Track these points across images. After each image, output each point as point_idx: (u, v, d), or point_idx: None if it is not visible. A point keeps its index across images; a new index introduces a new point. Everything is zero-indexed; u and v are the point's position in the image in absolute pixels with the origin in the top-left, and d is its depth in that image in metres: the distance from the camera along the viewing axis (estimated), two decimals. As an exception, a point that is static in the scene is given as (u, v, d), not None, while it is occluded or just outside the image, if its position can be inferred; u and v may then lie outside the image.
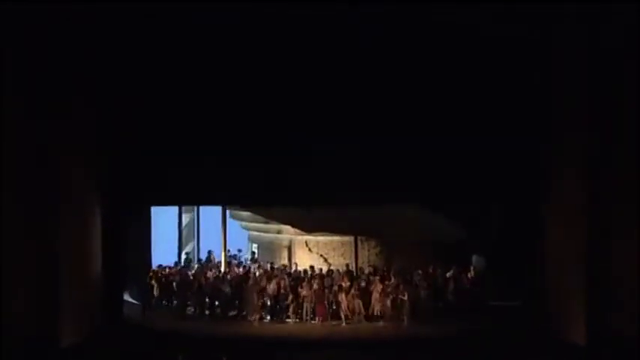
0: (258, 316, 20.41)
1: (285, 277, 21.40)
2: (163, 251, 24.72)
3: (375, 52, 18.13)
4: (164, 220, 25.65)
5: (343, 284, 20.69)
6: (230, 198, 21.66)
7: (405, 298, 19.96)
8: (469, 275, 21.22)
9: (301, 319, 20.43)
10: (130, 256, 20.83)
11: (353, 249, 23.12)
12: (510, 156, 18.76)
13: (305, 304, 20.42)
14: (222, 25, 17.77)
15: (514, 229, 20.44)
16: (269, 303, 20.81)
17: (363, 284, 20.88)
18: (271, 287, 20.84)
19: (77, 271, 17.65)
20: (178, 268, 22.99)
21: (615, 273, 16.37)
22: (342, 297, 20.31)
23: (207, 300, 21.27)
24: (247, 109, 18.84)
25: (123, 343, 17.95)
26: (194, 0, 17.09)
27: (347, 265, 22.29)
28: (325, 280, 21.14)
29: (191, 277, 21.82)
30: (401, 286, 20.17)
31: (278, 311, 20.67)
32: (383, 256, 23.13)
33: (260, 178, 19.27)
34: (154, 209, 24.35)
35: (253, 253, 25.38)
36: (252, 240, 25.97)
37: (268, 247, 24.86)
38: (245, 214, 24.73)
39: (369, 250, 23.24)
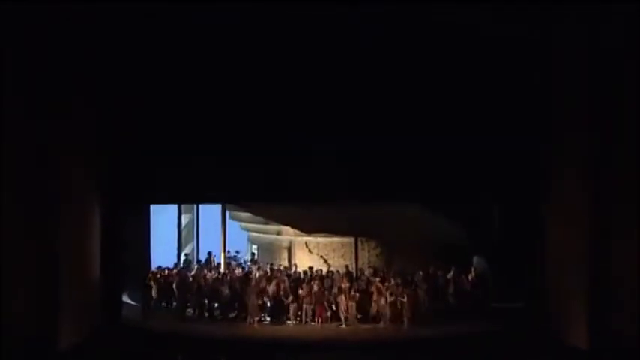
0: (257, 318, 20.35)
1: (285, 278, 21.37)
2: (163, 252, 24.70)
3: (375, 52, 18.14)
4: (163, 221, 25.66)
5: (343, 285, 20.67)
6: (230, 197, 21.72)
7: (405, 299, 19.92)
8: (470, 276, 21.21)
9: (301, 320, 20.39)
10: (129, 258, 20.78)
11: (353, 250, 23.10)
12: (510, 156, 18.81)
13: (304, 306, 20.39)
14: (222, 25, 17.76)
15: (514, 230, 20.46)
16: (268, 304, 20.78)
17: (363, 285, 20.87)
18: (271, 288, 20.81)
19: (77, 272, 17.63)
20: (177, 269, 22.94)
21: (615, 273, 16.35)
22: (341, 298, 20.29)
23: (206, 301, 21.22)
24: (247, 108, 18.85)
25: (122, 344, 17.91)
26: (194, 0, 17.08)
27: (346, 267, 22.25)
28: (325, 281, 21.13)
29: (190, 279, 21.78)
30: (400, 288, 20.14)
31: (278, 313, 20.63)
32: (383, 257, 23.12)
33: (260, 178, 19.30)
34: (153, 210, 24.38)
35: (253, 254, 25.33)
36: (251, 241, 25.94)
37: (268, 248, 24.83)
38: (245, 214, 24.71)
39: (369, 251, 23.23)
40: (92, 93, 18.26)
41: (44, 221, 16.12)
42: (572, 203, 17.43)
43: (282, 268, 22.68)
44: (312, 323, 20.26)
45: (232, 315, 20.95)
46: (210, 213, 25.79)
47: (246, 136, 19.01)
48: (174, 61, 18.37)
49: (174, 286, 21.67)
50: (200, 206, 26.26)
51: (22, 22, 15.52)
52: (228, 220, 24.80)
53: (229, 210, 24.76)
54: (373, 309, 20.27)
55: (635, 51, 15.79)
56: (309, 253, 23.57)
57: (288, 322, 20.47)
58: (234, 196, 21.44)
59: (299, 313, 20.45)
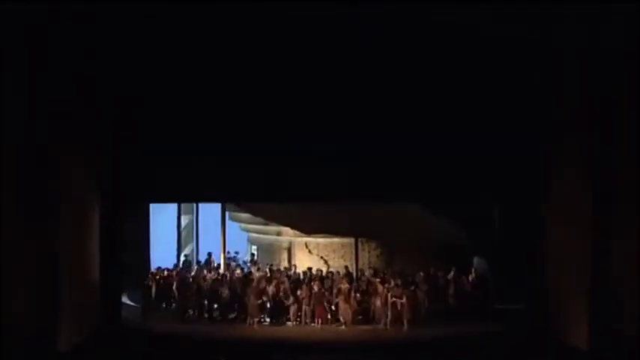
0: (257, 319, 20.34)
1: (285, 279, 21.36)
2: (162, 253, 24.70)
3: (375, 52, 18.14)
4: (163, 222, 25.65)
5: (342, 287, 20.65)
6: (230, 196, 21.74)
7: (404, 301, 19.88)
8: (470, 277, 21.20)
9: (301, 321, 20.37)
10: (128, 259, 20.77)
11: (353, 251, 23.13)
12: (510, 156, 18.81)
13: (304, 307, 20.37)
14: (222, 25, 17.75)
15: (514, 230, 20.44)
16: (268, 305, 20.75)
17: (363, 286, 20.85)
18: (270, 289, 20.79)
19: (77, 272, 17.61)
20: (177, 270, 22.91)
21: (616, 273, 16.32)
22: (341, 300, 20.26)
23: (206, 302, 21.19)
24: (247, 108, 18.82)
25: (122, 345, 17.88)
26: (194, 0, 17.09)
27: (346, 268, 22.25)
28: (325, 282, 21.11)
29: (190, 280, 21.76)
30: (400, 289, 20.10)
31: (277, 314, 20.59)
32: (383, 257, 23.13)
33: (260, 178, 19.30)
34: (152, 211, 24.38)
35: (253, 254, 25.32)
36: (251, 242, 25.93)
37: (268, 249, 24.83)
38: (244, 215, 24.71)
39: (369, 252, 23.24)
40: (92, 93, 18.23)
41: (44, 221, 16.06)
42: (572, 203, 17.42)
43: (282, 269, 22.67)
44: (312, 324, 20.26)
45: (232, 316, 20.96)
46: (209, 214, 25.79)
47: (246, 136, 18.99)
48: (174, 61, 18.32)
49: (173, 287, 21.67)
50: (200, 207, 26.27)
51: (22, 22, 15.48)
52: (227, 221, 24.81)
53: (229, 211, 24.76)
54: (373, 310, 20.24)
55: (635, 51, 15.75)
56: (309, 254, 23.59)
57: (288, 323, 20.44)
58: (235, 196, 21.46)
59: (299, 314, 20.43)
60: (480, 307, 20.76)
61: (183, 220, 26.61)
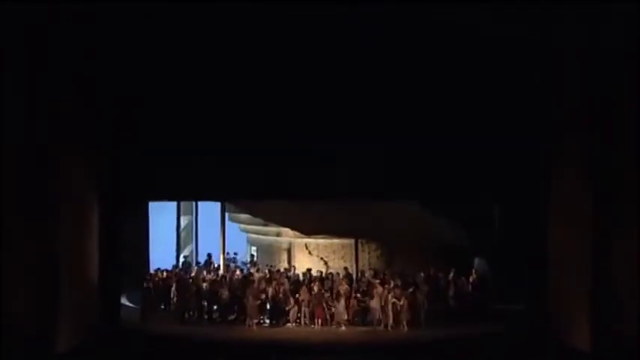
0: (256, 320, 20.31)
1: (285, 280, 21.32)
2: (161, 254, 24.68)
3: (375, 52, 18.15)
4: (162, 223, 25.65)
5: (342, 288, 20.62)
6: (230, 196, 21.73)
7: (402, 302, 19.85)
8: (471, 278, 21.18)
9: (300, 323, 20.35)
10: (127, 260, 20.77)
11: (353, 252, 23.12)
12: (510, 156, 18.82)
13: (304, 308, 20.34)
14: (222, 25, 17.77)
15: (515, 231, 20.44)
16: (268, 307, 20.73)
17: (363, 287, 20.82)
18: (270, 291, 20.76)
19: (76, 272, 17.60)
20: (176, 271, 22.88)
21: (616, 273, 16.30)
22: (340, 301, 20.24)
23: (205, 304, 21.15)
24: (247, 108, 18.85)
25: (121, 346, 17.84)
26: (194, 0, 17.09)
27: (345, 269, 22.24)
28: (325, 283, 21.09)
29: (190, 281, 21.72)
30: (399, 291, 20.08)
31: (277, 315, 20.56)
32: (383, 258, 23.14)
33: (260, 178, 19.29)
34: (152, 212, 24.37)
35: (252, 255, 25.30)
36: (251, 243, 25.93)
37: (267, 250, 24.83)
38: (244, 216, 24.70)
39: (369, 253, 23.25)
40: (92, 93, 18.24)
41: (44, 221, 16.05)
42: (572, 203, 17.42)
43: (281, 270, 22.64)
44: (312, 326, 20.25)
45: (231, 317, 20.92)
46: (209, 214, 25.79)
47: (246, 136, 19.01)
48: (174, 61, 18.35)
49: (173, 288, 21.62)
50: (199, 208, 26.27)
51: (22, 22, 15.48)
52: (227, 222, 24.78)
53: (228, 211, 24.74)
54: (373, 311, 20.22)
55: (635, 51, 15.77)
56: (309, 255, 23.59)
57: (288, 324, 20.41)
58: (235, 195, 21.47)
59: (298, 315, 20.40)
60: (480, 308, 20.75)
61: (183, 221, 26.62)
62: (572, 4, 16.75)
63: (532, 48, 17.96)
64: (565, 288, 17.79)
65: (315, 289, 20.44)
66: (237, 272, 22.56)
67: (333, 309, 20.30)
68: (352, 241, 23.19)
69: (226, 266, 23.69)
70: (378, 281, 20.93)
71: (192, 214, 26.71)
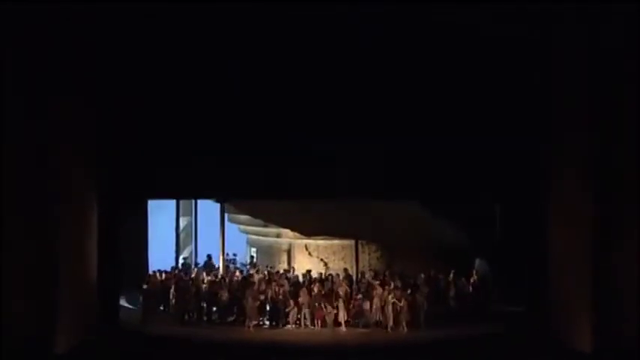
0: (256, 322, 20.28)
1: (285, 282, 21.29)
2: (161, 255, 24.65)
3: (375, 52, 18.16)
4: (161, 224, 25.62)
5: (341, 289, 20.60)
6: (230, 195, 21.73)
7: (402, 304, 19.83)
8: (472, 279, 21.16)
9: (300, 324, 20.31)
10: (127, 261, 20.74)
11: (353, 253, 23.08)
12: (510, 156, 18.82)
13: (303, 310, 20.31)
14: (222, 25, 17.79)
15: (515, 231, 20.44)
16: (267, 308, 20.69)
17: (363, 289, 20.80)
18: (270, 292, 20.73)
19: (75, 272, 17.58)
20: (175, 272, 22.84)
21: (616, 273, 16.30)
22: (340, 302, 20.21)
23: (204, 305, 21.12)
24: (247, 108, 18.86)
25: (120, 347, 17.81)
26: (194, 0, 17.10)
27: (345, 270, 22.20)
28: (325, 284, 21.06)
29: (189, 282, 21.68)
30: (399, 292, 20.07)
31: (277, 317, 20.54)
32: (384, 259, 23.11)
33: (260, 177, 19.29)
34: (151, 213, 24.35)
35: (252, 257, 25.26)
36: (250, 244, 25.89)
37: (267, 251, 24.79)
38: (243, 217, 24.66)
39: (369, 254, 23.22)
40: (92, 93, 18.26)
41: (44, 221, 16.04)
42: (572, 203, 17.41)
43: (281, 271, 22.61)
44: (312, 327, 20.21)
45: (231, 319, 20.87)
46: (208, 215, 25.75)
47: (246, 136, 19.01)
48: (174, 60, 18.36)
49: (172, 289, 21.57)
50: (199, 209, 26.24)
51: (22, 22, 15.51)
52: (226, 223, 24.74)
53: (228, 212, 24.70)
54: (373, 313, 20.21)
55: (635, 51, 15.82)
56: (309, 256, 23.56)
57: (287, 326, 20.38)
58: (234, 195, 21.46)
59: (298, 317, 20.37)
60: (481, 308, 20.73)
61: (182, 222, 26.59)
62: (572, 4, 16.76)
63: (532, 48, 17.97)
64: (565, 288, 17.78)
65: (315, 290, 20.40)
66: (237, 273, 22.52)
67: (333, 310, 20.26)
68: (352, 242, 23.15)
69: (226, 267, 23.62)
70: (377, 282, 20.90)
71: (191, 215, 26.67)
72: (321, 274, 22.17)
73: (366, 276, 21.84)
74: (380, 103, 18.66)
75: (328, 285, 21.04)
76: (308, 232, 23.33)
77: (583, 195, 16.94)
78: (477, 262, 22.24)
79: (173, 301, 21.33)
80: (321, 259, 23.36)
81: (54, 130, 16.31)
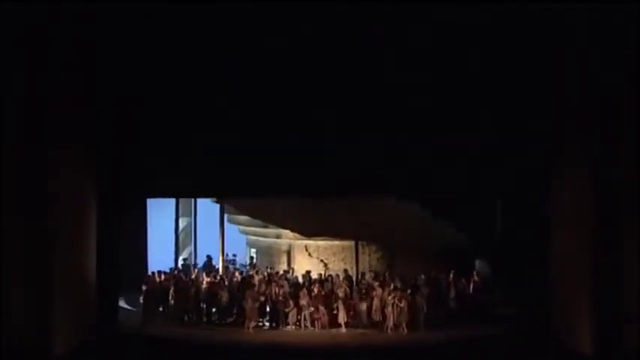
0: (255, 323, 20.25)
1: (285, 283, 21.26)
2: (160, 256, 24.63)
3: (375, 52, 18.18)
4: (161, 225, 25.59)
5: (341, 290, 20.58)
6: (229, 195, 21.74)
7: (402, 305, 19.81)
8: (472, 280, 21.14)
9: (300, 325, 20.29)
10: (126, 262, 20.73)
11: (354, 254, 23.05)
12: (510, 156, 18.83)
13: (303, 311, 20.29)
14: (222, 25, 17.83)
15: (515, 231, 20.44)
16: (267, 309, 20.68)
17: (363, 290, 20.78)
18: (269, 293, 20.70)
19: (75, 272, 17.60)
20: (175, 273, 22.80)
21: (617, 273, 16.28)
22: (339, 303, 20.19)
23: (204, 306, 21.09)
24: (247, 108, 18.88)
25: (119, 348, 17.81)
26: (194, 0, 17.11)
27: (345, 271, 22.17)
28: (324, 285, 21.04)
29: (189, 283, 21.64)
30: (398, 293, 20.04)
31: (276, 318, 20.52)
32: (384, 260, 23.07)
33: (260, 177, 19.27)
34: (150, 213, 24.32)
35: (252, 257, 25.23)
36: (250, 244, 25.86)
37: (267, 252, 24.75)
38: (243, 218, 24.63)
39: (369, 255, 23.18)
40: (92, 93, 18.27)
41: (44, 221, 16.03)
42: (573, 203, 17.43)
43: (281, 272, 22.58)
44: (311, 328, 20.17)
45: (230, 320, 20.84)
46: (208, 216, 25.74)
47: (245, 135, 19.01)
48: (174, 61, 18.40)
49: (171, 290, 21.53)
50: (198, 209, 26.22)
51: (22, 22, 15.52)
52: (226, 223, 24.72)
53: (228, 213, 24.68)
54: (373, 314, 20.19)
55: (635, 51, 15.82)
56: (309, 257, 23.51)
57: (287, 327, 20.35)
58: (234, 194, 21.48)
59: (298, 318, 20.35)
60: (481, 309, 20.70)
61: (182, 223, 26.56)
62: (572, 4, 16.78)
63: (532, 48, 17.98)
64: (565, 288, 17.78)
65: (315, 291, 20.38)
66: (237, 274, 22.47)
67: (333, 311, 20.23)
68: (352, 243, 23.12)
69: (225, 268, 23.59)
70: (377, 283, 20.88)
71: (191, 216, 26.65)
72: (321, 275, 22.15)
73: (367, 277, 21.82)
74: (380, 102, 18.69)
75: (328, 286, 21.01)
76: (308, 232, 23.30)
77: (583, 195, 16.94)
78: (478, 263, 22.22)
79: (172, 302, 21.23)
80: (321, 260, 23.33)
81: (54, 130, 16.30)
